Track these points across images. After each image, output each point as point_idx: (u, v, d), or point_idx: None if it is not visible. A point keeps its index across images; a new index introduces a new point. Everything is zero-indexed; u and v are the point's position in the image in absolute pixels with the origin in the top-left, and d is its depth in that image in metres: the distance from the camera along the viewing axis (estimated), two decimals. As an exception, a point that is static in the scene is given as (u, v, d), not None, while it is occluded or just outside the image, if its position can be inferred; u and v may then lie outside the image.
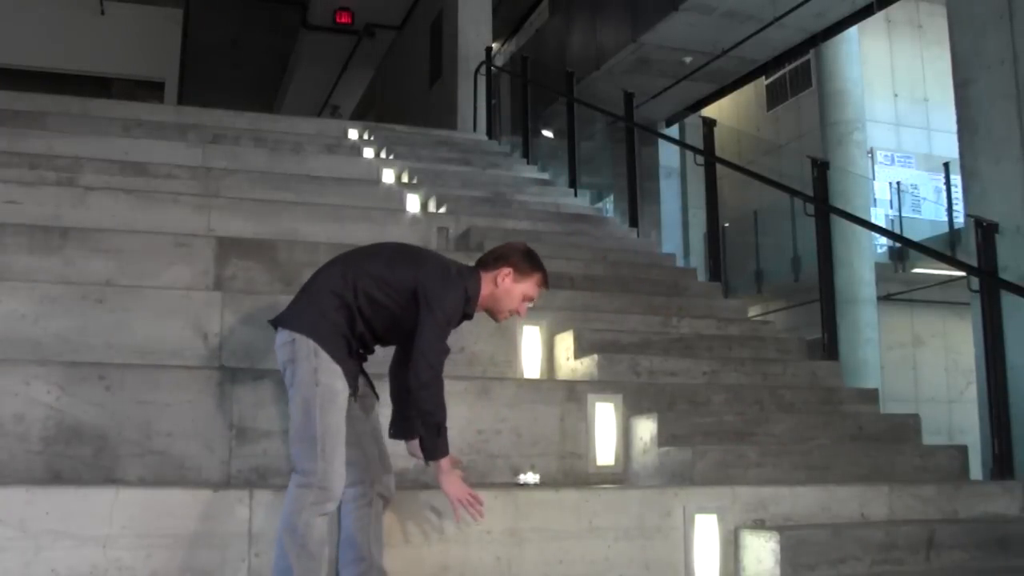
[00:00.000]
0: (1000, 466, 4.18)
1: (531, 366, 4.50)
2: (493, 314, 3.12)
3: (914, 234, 13.70)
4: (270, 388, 3.46)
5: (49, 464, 3.19)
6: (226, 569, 2.86)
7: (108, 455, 3.25)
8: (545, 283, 3.13)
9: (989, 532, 3.69)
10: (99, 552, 2.74)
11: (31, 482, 3.04)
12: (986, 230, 4.34)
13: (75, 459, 3.21)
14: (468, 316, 3.06)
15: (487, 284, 3.05)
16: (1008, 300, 4.49)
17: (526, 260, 3.08)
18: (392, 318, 2.95)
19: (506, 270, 3.05)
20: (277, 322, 2.97)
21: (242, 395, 3.44)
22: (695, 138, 8.57)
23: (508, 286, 3.05)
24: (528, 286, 3.08)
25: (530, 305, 3.14)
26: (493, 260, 3.09)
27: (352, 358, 2.95)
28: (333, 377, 2.83)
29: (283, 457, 3.37)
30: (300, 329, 2.87)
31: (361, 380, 3.06)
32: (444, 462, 2.92)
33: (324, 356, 2.83)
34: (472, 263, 3.17)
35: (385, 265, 2.98)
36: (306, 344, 2.84)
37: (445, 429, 2.91)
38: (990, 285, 4.33)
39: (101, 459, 3.24)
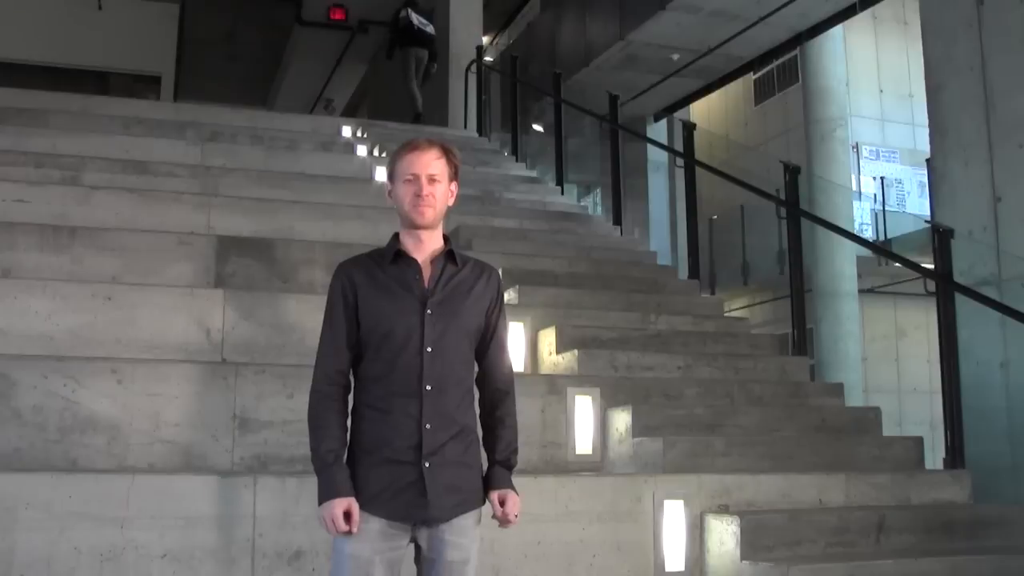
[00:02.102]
0: (953, 456, 4.46)
1: (515, 360, 4.73)
2: (413, 222, 2.50)
3: (898, 228, 14.02)
4: (270, 381, 3.70)
5: (66, 452, 3.41)
6: (232, 548, 3.11)
7: (120, 444, 3.48)
8: (406, 147, 2.54)
9: (936, 517, 3.97)
10: (117, 533, 2.99)
11: (49, 469, 3.28)
12: (942, 235, 4.62)
13: (90, 447, 3.44)
14: (400, 255, 2.51)
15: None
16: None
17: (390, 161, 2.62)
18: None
19: (386, 184, 2.61)
20: None
21: (244, 388, 3.66)
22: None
23: (393, 192, 2.55)
24: (400, 176, 2.52)
25: (429, 180, 2.50)
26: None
27: (382, 462, 2.38)
28: (353, 539, 2.34)
29: (283, 445, 3.62)
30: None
31: (433, 503, 2.37)
32: (323, 507, 2.34)
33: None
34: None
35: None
36: None
37: (322, 462, 2.38)
38: (945, 287, 4.62)
39: (114, 448, 3.47)
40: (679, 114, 13.56)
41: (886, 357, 14.42)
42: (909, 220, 13.78)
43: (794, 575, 3.36)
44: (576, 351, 4.66)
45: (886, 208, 14.64)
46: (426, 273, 2.51)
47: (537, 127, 11.89)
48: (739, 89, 15.69)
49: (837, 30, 11.97)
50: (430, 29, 10.73)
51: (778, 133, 15.57)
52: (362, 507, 2.34)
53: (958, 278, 4.84)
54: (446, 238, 2.59)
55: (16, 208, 5.00)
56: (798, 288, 5.48)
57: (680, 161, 6.64)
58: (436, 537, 2.40)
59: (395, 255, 2.52)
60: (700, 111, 15.17)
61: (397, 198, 2.53)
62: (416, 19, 10.66)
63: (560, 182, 8.27)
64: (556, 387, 4.26)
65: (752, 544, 3.56)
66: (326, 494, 2.34)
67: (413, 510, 2.37)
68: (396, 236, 2.57)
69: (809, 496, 3.96)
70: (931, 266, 4.77)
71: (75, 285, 4.16)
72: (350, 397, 2.48)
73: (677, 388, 4.59)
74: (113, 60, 12.53)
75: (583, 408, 4.24)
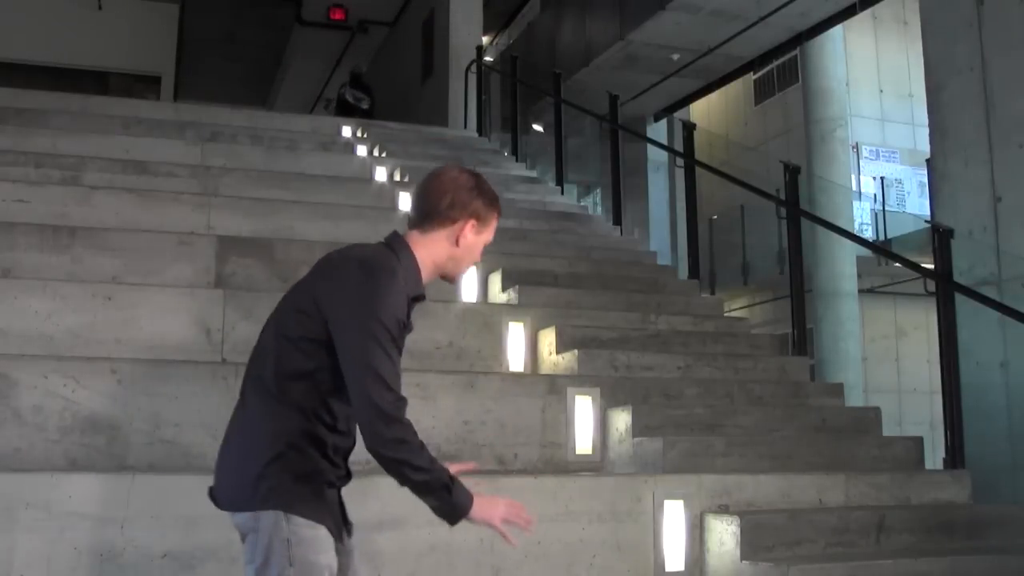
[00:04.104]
0: (953, 456, 4.46)
1: (516, 360, 4.76)
2: (449, 278, 2.34)
3: (898, 228, 14.04)
4: (270, 382, 3.70)
5: (66, 452, 3.41)
6: (232, 548, 3.08)
7: (120, 444, 3.48)
8: (497, 203, 2.32)
9: (936, 517, 3.97)
10: (117, 533, 2.98)
11: (49, 469, 3.27)
12: (942, 235, 4.62)
13: (89, 447, 3.44)
14: (420, 299, 2.25)
15: (437, 246, 2.24)
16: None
17: (483, 200, 2.26)
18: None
19: (471, 223, 2.24)
20: (222, 503, 2.22)
21: (244, 388, 3.67)
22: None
23: (471, 241, 2.26)
24: (489, 232, 2.30)
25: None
26: (442, 212, 2.23)
27: (329, 483, 2.21)
28: (314, 549, 2.11)
29: (283, 446, 3.62)
30: (254, 504, 2.11)
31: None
32: (474, 509, 2.21)
33: (298, 521, 2.11)
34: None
35: (290, 319, 2.18)
36: (269, 517, 2.11)
37: (443, 472, 2.16)
38: (945, 287, 4.62)
39: (113, 447, 3.47)
40: (679, 114, 13.59)
41: (886, 357, 14.44)
42: (909, 220, 13.81)
43: (794, 575, 3.36)
44: (576, 351, 4.67)
45: (886, 208, 14.66)
46: None
47: (537, 127, 11.92)
48: (739, 89, 15.71)
49: (837, 30, 12.00)
50: (364, 104, 12.17)
51: (778, 133, 15.58)
52: (323, 520, 2.17)
53: (958, 278, 4.84)
54: None
55: (16, 208, 5.01)
56: (798, 288, 5.48)
57: (680, 161, 6.64)
58: (348, 544, 2.32)
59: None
60: (700, 111, 15.19)
61: (471, 249, 2.27)
62: (351, 96, 12.17)
63: (560, 182, 8.29)
64: (556, 387, 4.26)
65: (752, 544, 3.55)
66: (468, 499, 2.21)
67: (343, 527, 2.30)
68: (412, 266, 2.22)
69: (809, 496, 3.96)
70: (931, 266, 4.77)
71: (75, 285, 4.17)
72: (309, 415, 2.18)
73: (677, 388, 4.58)
74: (113, 60, 12.56)
75: (583, 408, 4.24)
